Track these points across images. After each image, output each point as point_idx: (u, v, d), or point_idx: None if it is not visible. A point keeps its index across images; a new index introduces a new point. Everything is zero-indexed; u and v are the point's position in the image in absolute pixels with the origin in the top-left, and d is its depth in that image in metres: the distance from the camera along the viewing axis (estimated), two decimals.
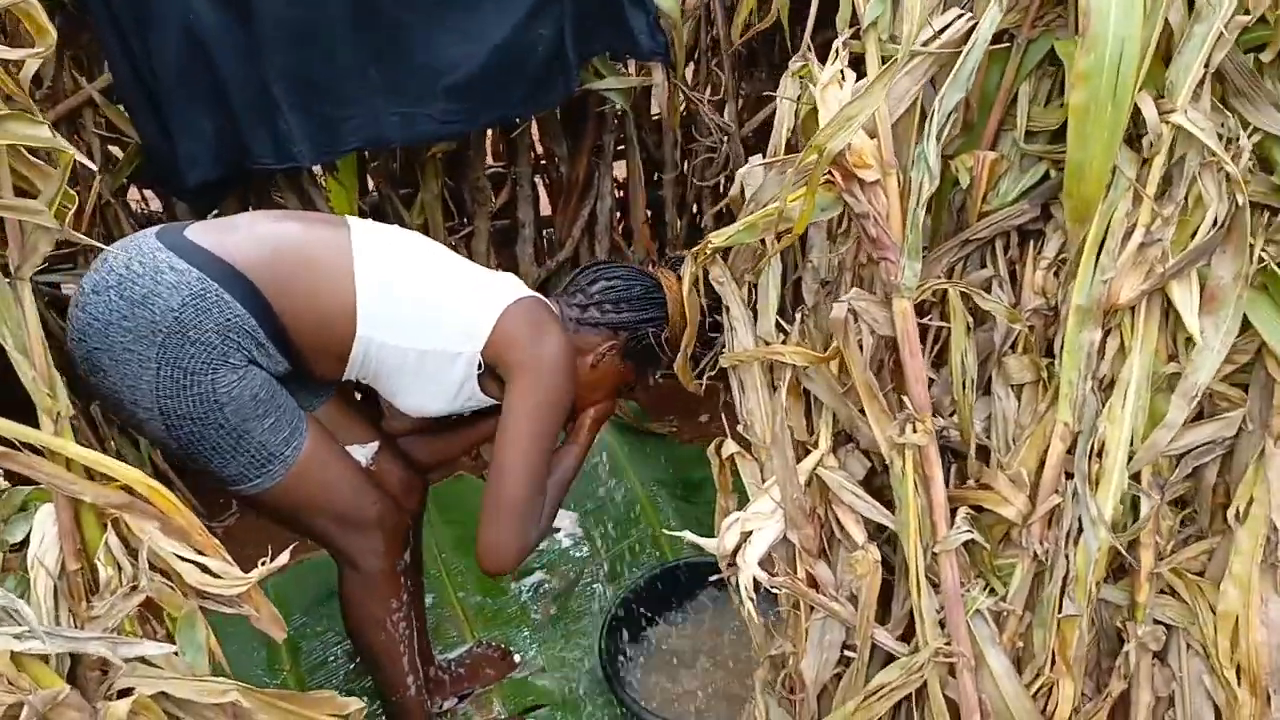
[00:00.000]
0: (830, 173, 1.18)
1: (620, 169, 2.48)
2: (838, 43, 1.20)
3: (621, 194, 2.54)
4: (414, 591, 1.86)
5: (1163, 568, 1.21)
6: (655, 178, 2.50)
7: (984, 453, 1.27)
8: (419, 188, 2.27)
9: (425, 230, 2.32)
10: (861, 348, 1.22)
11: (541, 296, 1.72)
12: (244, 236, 1.54)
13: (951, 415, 1.29)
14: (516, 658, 2.00)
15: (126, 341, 1.41)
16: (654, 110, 2.36)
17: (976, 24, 1.16)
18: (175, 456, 1.79)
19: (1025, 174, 1.24)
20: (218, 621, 1.16)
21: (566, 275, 2.59)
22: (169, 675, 0.97)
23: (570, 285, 1.80)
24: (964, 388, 1.24)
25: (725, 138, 2.28)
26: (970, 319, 1.24)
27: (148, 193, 2.41)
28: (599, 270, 1.79)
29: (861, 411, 1.27)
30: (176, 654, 1.08)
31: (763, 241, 1.33)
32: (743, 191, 1.34)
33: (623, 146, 2.40)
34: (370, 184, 2.40)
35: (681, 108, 2.30)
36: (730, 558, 1.31)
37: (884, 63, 1.17)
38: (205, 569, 1.06)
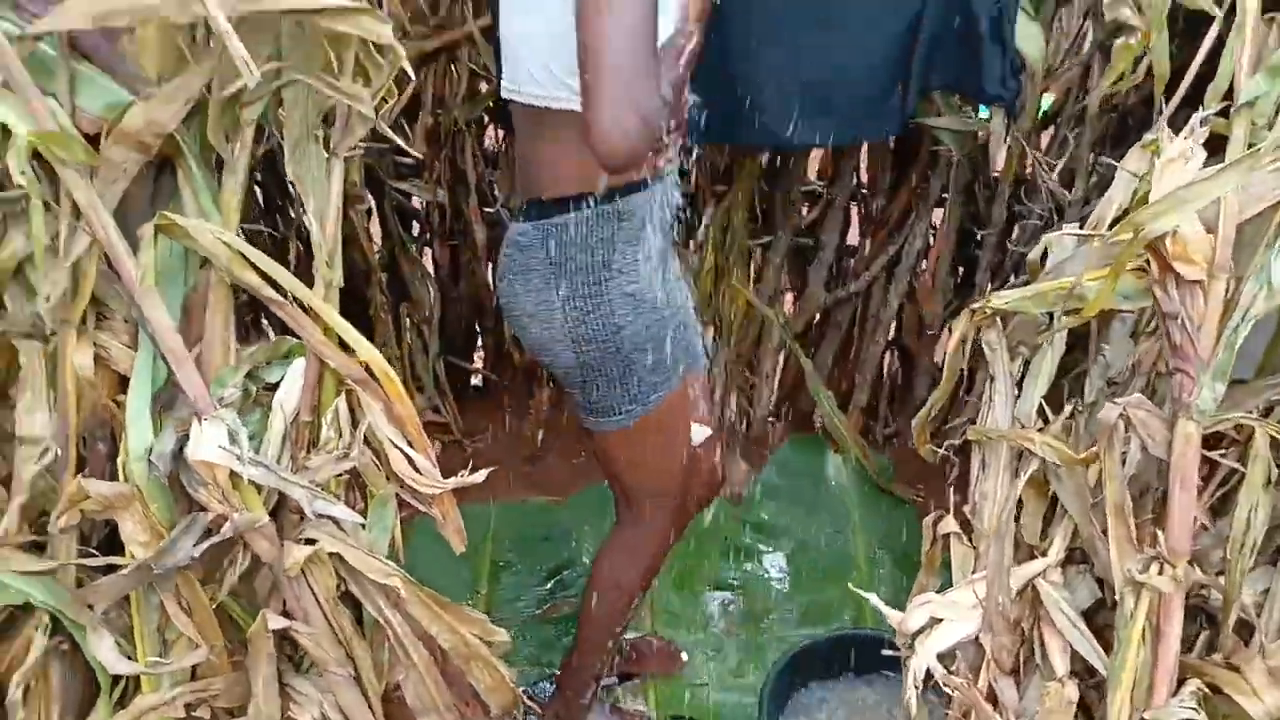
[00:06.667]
0: (1146, 258, 1.03)
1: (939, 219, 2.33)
2: (1197, 117, 1.04)
3: (934, 241, 2.39)
4: None
5: None
6: (977, 237, 2.33)
7: (1246, 629, 1.07)
8: (731, 185, 2.27)
9: (725, 230, 2.31)
10: (1125, 462, 1.06)
11: None
12: None
13: (1219, 575, 1.10)
14: (684, 656, 1.97)
15: None
16: (995, 166, 2.19)
17: None
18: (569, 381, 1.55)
19: None
20: (432, 531, 1.21)
21: (850, 307, 2.48)
22: (350, 543, 1.04)
23: None
24: (1242, 547, 1.05)
25: (1057, 208, 2.07)
26: (1277, 471, 1.05)
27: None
28: None
29: (1105, 532, 1.11)
30: (364, 528, 1.15)
31: (1050, 317, 1.20)
32: (1043, 259, 1.22)
33: (947, 194, 2.25)
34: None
35: (1017, 167, 2.12)
36: (910, 639, 1.20)
37: (1250, 149, 1.01)
38: (412, 462, 1.12)
